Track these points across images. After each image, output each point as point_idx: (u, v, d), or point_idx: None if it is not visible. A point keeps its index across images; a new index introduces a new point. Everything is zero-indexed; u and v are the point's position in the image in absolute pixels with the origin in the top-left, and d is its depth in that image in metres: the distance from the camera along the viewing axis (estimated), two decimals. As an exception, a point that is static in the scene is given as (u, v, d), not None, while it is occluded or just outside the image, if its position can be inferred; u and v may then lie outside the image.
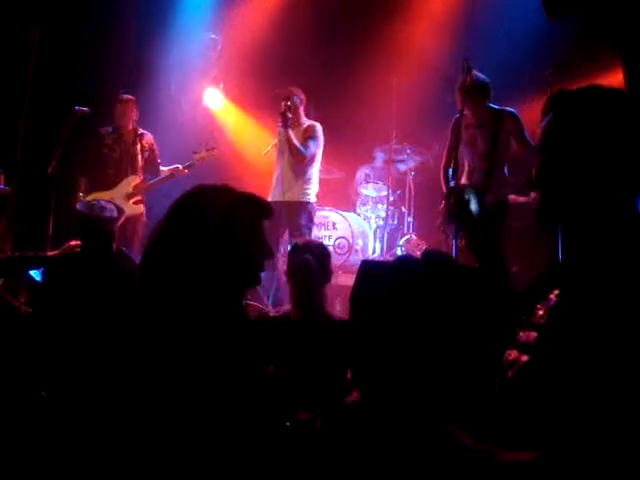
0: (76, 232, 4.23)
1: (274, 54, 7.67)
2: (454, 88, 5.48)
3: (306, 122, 6.28)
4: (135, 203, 6.20)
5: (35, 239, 5.72)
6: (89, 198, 5.96)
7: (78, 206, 4.16)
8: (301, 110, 6.28)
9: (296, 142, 6.01)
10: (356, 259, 6.97)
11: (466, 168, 5.59)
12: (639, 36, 5.13)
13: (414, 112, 7.13)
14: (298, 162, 6.09)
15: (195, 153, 6.21)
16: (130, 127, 6.40)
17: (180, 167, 6.28)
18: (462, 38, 6.83)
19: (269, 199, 6.12)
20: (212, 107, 8.11)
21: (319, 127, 6.21)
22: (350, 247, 7.11)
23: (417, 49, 7.34)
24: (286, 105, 6.02)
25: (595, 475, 1.31)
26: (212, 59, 8.04)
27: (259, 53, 7.71)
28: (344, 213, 7.32)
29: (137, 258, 4.93)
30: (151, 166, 6.39)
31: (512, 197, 5.79)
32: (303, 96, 6.30)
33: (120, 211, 4.10)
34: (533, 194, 5.55)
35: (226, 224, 1.88)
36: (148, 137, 6.44)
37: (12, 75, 6.67)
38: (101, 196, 6.01)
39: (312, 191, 6.23)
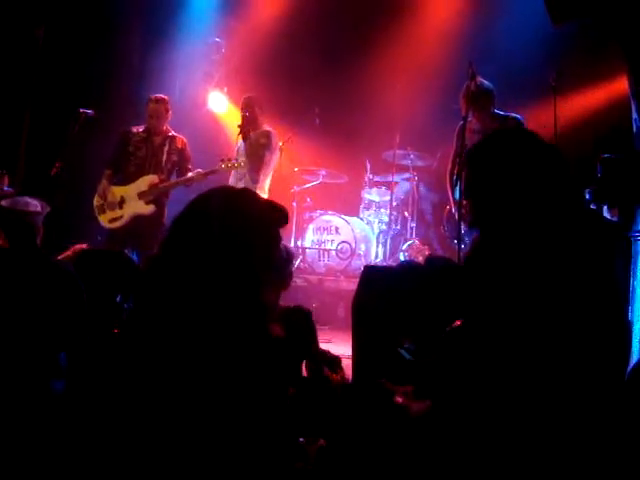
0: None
1: (278, 57, 7.71)
2: (459, 94, 5.49)
3: (264, 128, 6.37)
4: (146, 202, 6.06)
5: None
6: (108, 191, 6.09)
7: (3, 202, 4.18)
8: (260, 117, 6.38)
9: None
10: (358, 264, 6.97)
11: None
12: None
13: (418, 118, 7.14)
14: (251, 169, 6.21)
15: (222, 161, 6.09)
16: (161, 128, 6.25)
17: (202, 172, 6.10)
18: (466, 44, 6.84)
19: None
20: (216, 110, 8.12)
21: (273, 133, 6.33)
22: (353, 252, 7.11)
23: (422, 56, 7.35)
24: (244, 115, 6.17)
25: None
26: (216, 62, 8.05)
27: (263, 57, 7.74)
28: (347, 217, 7.32)
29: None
30: (179, 169, 6.24)
31: None
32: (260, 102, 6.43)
33: (44, 207, 4.12)
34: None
35: (245, 230, 1.86)
36: (179, 140, 6.31)
37: (17, 75, 6.69)
38: (114, 190, 6.13)
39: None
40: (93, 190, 6.30)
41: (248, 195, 1.98)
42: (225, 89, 8.03)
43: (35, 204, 4.06)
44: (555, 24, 5.62)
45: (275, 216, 1.97)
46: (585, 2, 5.37)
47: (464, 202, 5.44)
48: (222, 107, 8.11)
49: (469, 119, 5.40)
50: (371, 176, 7.53)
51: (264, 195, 6.10)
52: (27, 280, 3.56)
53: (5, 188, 6.16)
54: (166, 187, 6.13)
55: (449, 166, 5.73)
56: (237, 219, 1.87)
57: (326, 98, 7.26)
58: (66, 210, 5.82)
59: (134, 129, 6.31)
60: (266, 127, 6.40)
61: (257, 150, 6.18)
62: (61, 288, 3.51)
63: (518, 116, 5.54)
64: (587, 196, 5.49)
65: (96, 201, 6.21)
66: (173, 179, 6.17)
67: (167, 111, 6.24)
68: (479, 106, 5.45)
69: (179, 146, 6.28)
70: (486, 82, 5.49)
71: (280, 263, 3.16)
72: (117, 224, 6.09)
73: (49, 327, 3.37)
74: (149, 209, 6.05)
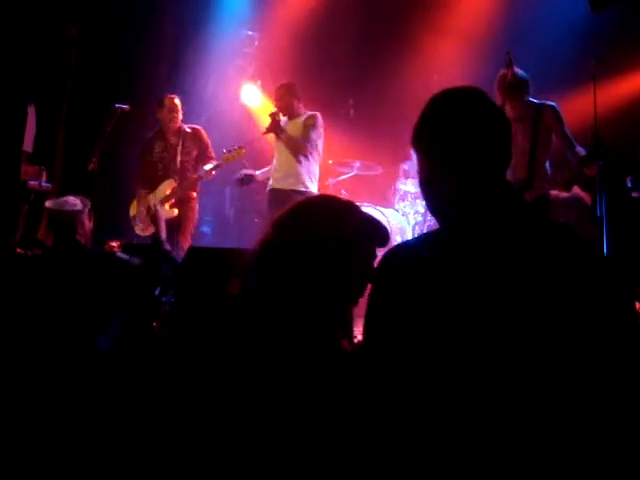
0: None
1: (311, 50, 7.66)
2: (493, 84, 5.42)
3: (305, 113, 6.19)
4: (171, 207, 6.20)
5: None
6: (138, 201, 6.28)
7: (47, 203, 4.36)
8: (296, 103, 6.20)
9: (293, 139, 5.99)
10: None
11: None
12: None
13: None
14: (297, 151, 6.01)
15: (223, 153, 6.15)
16: (174, 128, 6.33)
17: (206, 169, 6.17)
18: (506, 31, 6.72)
19: (268, 186, 6.17)
20: (249, 104, 8.12)
21: (319, 116, 6.13)
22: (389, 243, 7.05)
23: (458, 46, 7.25)
24: (275, 113, 6.06)
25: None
26: (249, 55, 8.04)
27: (296, 49, 7.69)
28: (382, 209, 7.26)
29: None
30: (204, 160, 6.29)
31: (554, 193, 5.71)
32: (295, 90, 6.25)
33: (85, 203, 4.25)
34: (575, 188, 5.43)
35: (345, 247, 1.82)
36: (195, 133, 6.38)
37: (53, 73, 6.75)
38: (142, 199, 6.32)
39: (308, 180, 6.09)
40: (128, 184, 6.37)
41: (352, 211, 1.92)
42: (258, 82, 8.02)
43: (74, 202, 4.17)
44: (594, 10, 5.53)
45: (377, 235, 1.92)
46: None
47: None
48: (255, 100, 8.10)
49: (504, 108, 5.35)
50: (406, 167, 7.47)
51: (314, 182, 6.12)
52: (70, 276, 3.68)
53: (43, 183, 6.25)
54: (185, 189, 6.24)
55: None
56: (339, 235, 1.83)
57: (360, 89, 7.23)
58: (102, 205, 5.88)
59: (148, 136, 6.44)
60: (307, 111, 6.25)
61: (303, 132, 6.03)
62: (102, 272, 3.67)
63: (553, 104, 5.44)
64: (629, 184, 5.40)
65: (131, 212, 6.39)
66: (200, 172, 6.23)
67: (176, 110, 6.29)
68: (514, 95, 5.36)
69: (196, 138, 6.36)
70: (521, 71, 5.39)
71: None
72: (149, 232, 6.18)
73: (93, 311, 3.51)
74: (174, 212, 6.18)
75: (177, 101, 6.31)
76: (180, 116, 6.36)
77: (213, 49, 7.65)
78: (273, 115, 6.03)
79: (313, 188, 6.08)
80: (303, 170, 6.02)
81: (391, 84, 7.41)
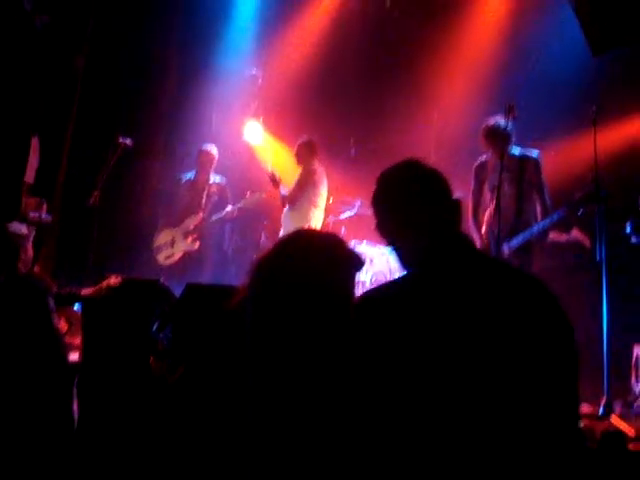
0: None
1: (314, 89, 7.74)
2: (481, 133, 5.50)
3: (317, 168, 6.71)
4: (192, 240, 6.80)
5: (75, 270, 5.77)
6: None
7: None
8: (312, 159, 6.70)
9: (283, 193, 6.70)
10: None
11: (493, 210, 5.49)
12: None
13: (453, 147, 7.10)
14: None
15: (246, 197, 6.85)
16: (205, 175, 7.00)
17: (230, 210, 6.90)
18: (509, 72, 6.78)
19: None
20: (252, 141, 8.16)
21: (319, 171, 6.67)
22: (387, 283, 7.02)
23: (459, 81, 7.30)
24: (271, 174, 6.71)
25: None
26: (253, 94, 8.11)
27: (299, 87, 7.77)
28: (382, 248, 7.25)
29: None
30: (220, 209, 6.93)
31: (553, 235, 5.73)
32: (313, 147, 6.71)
33: (29, 231, 4.23)
34: (574, 231, 5.42)
35: (324, 277, 1.87)
36: (218, 184, 7.05)
37: (57, 105, 6.80)
38: (167, 232, 6.91)
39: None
40: (129, 219, 6.40)
41: (328, 242, 1.97)
42: (261, 119, 8.07)
43: (19, 227, 4.11)
44: (595, 54, 5.59)
45: (353, 262, 1.97)
46: (624, 32, 5.33)
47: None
48: (258, 138, 8.14)
49: (488, 157, 5.53)
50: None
51: (318, 221, 6.70)
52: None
53: (44, 215, 6.24)
54: (205, 225, 6.91)
55: (470, 205, 5.69)
56: (315, 266, 1.88)
57: (362, 128, 7.26)
58: (102, 238, 5.89)
59: (183, 177, 7.09)
60: (314, 165, 6.73)
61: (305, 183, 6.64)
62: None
63: (535, 155, 5.51)
64: (628, 229, 5.40)
65: (155, 243, 6.94)
66: (214, 217, 6.95)
67: (211, 161, 7.00)
68: (501, 145, 5.39)
69: (217, 189, 7.04)
70: (503, 121, 5.43)
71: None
72: (170, 261, 6.82)
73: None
74: (196, 245, 6.81)
75: (214, 152, 7.01)
76: (212, 166, 7.02)
77: (217, 87, 7.72)
78: (271, 177, 6.71)
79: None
80: (308, 220, 6.59)
81: (392, 122, 7.46)
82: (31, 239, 4.18)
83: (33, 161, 6.38)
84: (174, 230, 6.90)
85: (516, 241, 5.32)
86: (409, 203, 1.99)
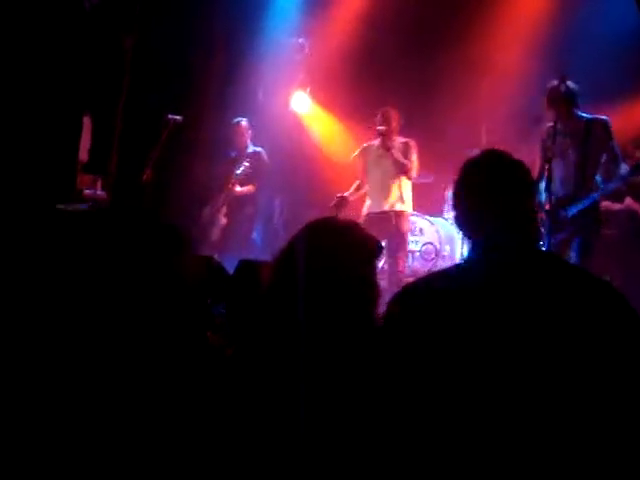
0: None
1: (361, 57, 7.67)
2: (542, 97, 5.37)
3: (401, 139, 6.52)
4: (222, 215, 7.00)
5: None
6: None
7: None
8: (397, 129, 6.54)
9: (402, 160, 6.37)
10: (443, 265, 6.88)
11: (558, 179, 5.38)
12: None
13: (503, 118, 6.98)
14: (402, 175, 6.43)
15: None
16: (244, 147, 7.10)
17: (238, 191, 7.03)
18: (553, 46, 6.63)
19: (364, 210, 6.39)
20: (299, 111, 8.16)
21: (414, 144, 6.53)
22: (437, 253, 7.03)
23: (506, 56, 7.16)
24: (385, 129, 6.38)
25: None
26: (299, 62, 8.08)
27: (346, 56, 7.70)
28: (431, 218, 7.23)
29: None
30: (252, 180, 6.98)
31: (605, 204, 5.63)
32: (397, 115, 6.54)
33: None
34: (628, 200, 5.38)
35: (337, 268, 1.93)
36: (252, 154, 7.06)
37: (108, 84, 6.89)
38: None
39: (409, 202, 6.55)
40: (181, 195, 6.49)
41: (346, 230, 2.04)
42: (308, 89, 8.05)
43: None
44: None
45: (371, 249, 2.04)
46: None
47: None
48: (305, 107, 8.14)
49: (554, 122, 5.30)
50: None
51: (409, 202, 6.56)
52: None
53: (98, 192, 6.39)
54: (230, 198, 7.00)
55: (535, 173, 5.56)
56: (334, 255, 1.95)
57: (410, 97, 7.18)
58: (154, 215, 5.99)
59: (230, 153, 7.22)
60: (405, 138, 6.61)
61: (408, 155, 6.46)
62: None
63: (605, 118, 5.36)
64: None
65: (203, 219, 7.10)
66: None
67: (242, 134, 7.09)
68: (564, 109, 5.29)
69: (253, 160, 7.02)
70: (572, 84, 5.32)
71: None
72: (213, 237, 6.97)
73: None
74: (223, 221, 7.00)
75: (244, 124, 7.08)
76: (248, 137, 7.09)
77: (264, 57, 7.70)
78: (384, 133, 6.38)
79: (409, 208, 6.54)
80: (402, 191, 6.48)
81: (442, 91, 7.35)
82: None
83: (86, 140, 6.52)
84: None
85: (575, 208, 5.22)
86: (496, 192, 1.93)
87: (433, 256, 7.02)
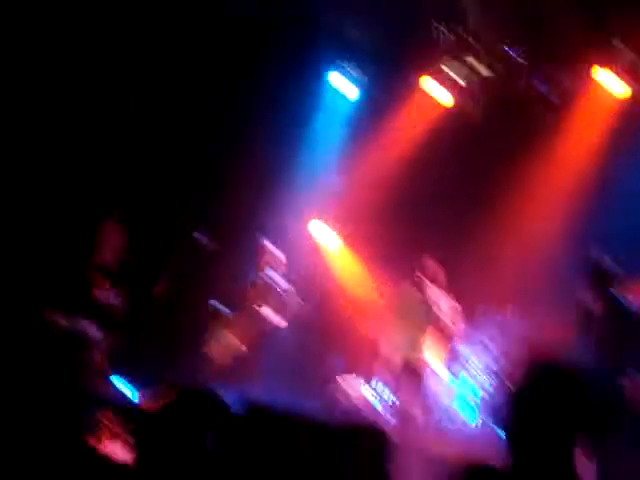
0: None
1: (395, 204, 7.68)
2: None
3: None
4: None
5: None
6: None
7: None
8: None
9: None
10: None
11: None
12: None
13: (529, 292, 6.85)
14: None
15: None
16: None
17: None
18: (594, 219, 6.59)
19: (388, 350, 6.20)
20: (319, 241, 8.16)
21: None
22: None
23: (538, 229, 7.15)
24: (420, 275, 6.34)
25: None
26: (333, 198, 8.12)
27: (380, 199, 7.71)
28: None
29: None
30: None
31: None
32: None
33: None
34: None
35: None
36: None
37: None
38: None
39: None
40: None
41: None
42: (335, 224, 8.07)
43: None
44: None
45: None
46: None
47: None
48: (326, 240, 8.14)
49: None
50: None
51: None
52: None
53: (111, 298, 6.25)
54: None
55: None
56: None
57: (444, 250, 7.06)
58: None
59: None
60: None
61: None
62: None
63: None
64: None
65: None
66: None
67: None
68: (603, 288, 5.26)
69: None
70: (614, 265, 5.31)
71: None
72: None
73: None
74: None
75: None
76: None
77: (298, 192, 7.76)
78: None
79: None
80: None
81: (469, 248, 7.23)
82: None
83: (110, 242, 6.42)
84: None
85: None
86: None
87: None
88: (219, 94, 7.23)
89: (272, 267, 7.03)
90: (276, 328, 6.64)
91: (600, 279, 5.33)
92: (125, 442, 4.34)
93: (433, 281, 6.38)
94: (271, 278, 6.95)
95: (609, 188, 6.71)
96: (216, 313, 6.50)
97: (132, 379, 5.48)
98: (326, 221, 8.14)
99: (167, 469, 3.92)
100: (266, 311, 6.63)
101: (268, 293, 6.81)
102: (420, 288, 6.30)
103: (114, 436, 4.62)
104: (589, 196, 6.84)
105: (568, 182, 7.16)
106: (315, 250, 8.19)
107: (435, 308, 6.26)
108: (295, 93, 7.50)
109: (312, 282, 7.80)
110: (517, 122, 7.48)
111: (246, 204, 7.25)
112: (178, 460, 3.94)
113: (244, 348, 6.53)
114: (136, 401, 4.43)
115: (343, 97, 8.05)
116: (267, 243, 7.05)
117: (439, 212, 7.65)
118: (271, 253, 7.01)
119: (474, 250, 7.12)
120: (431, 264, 6.41)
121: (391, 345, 6.41)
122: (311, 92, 7.87)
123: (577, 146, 7.20)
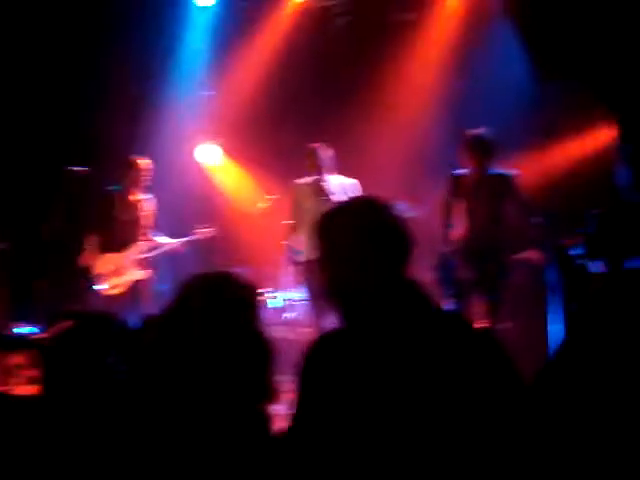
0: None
1: (270, 108, 7.79)
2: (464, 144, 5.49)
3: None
4: (142, 268, 6.26)
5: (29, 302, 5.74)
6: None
7: None
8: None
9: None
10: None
11: (465, 227, 5.51)
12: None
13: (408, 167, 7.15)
14: None
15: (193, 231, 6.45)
16: (138, 191, 6.30)
17: (176, 244, 6.45)
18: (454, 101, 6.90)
19: (301, 250, 6.06)
20: (207, 163, 8.15)
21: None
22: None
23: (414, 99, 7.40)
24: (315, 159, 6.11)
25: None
26: (209, 115, 8.07)
27: (256, 106, 7.75)
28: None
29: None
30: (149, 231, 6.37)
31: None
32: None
33: None
34: (533, 253, 5.38)
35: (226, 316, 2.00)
36: (151, 202, 6.38)
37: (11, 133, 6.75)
38: (107, 258, 6.16)
39: None
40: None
41: (226, 281, 2.06)
42: (219, 141, 8.06)
43: None
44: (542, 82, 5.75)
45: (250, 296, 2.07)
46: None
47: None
48: (213, 160, 8.14)
49: (466, 172, 5.48)
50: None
51: None
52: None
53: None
54: (154, 256, 6.36)
55: (441, 217, 5.62)
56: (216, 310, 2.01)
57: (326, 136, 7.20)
58: (57, 272, 5.84)
59: (112, 192, 6.29)
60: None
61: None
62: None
63: (511, 173, 5.51)
64: (579, 251, 5.52)
65: (95, 270, 6.19)
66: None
67: (145, 177, 6.26)
68: (478, 159, 5.41)
69: (151, 209, 6.36)
70: (488, 134, 5.44)
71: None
72: (116, 291, 6.13)
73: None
74: (147, 274, 6.28)
75: (149, 167, 6.30)
76: (145, 181, 6.30)
77: (172, 108, 7.66)
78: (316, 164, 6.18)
79: None
80: None
81: (353, 140, 7.39)
82: None
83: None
84: (118, 256, 6.21)
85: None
86: (360, 248, 1.90)
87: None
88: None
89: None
90: (172, 250, 6.48)
91: (478, 151, 5.42)
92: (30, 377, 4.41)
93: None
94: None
95: (468, 75, 7.16)
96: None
97: (30, 319, 5.49)
98: (209, 139, 8.12)
99: (73, 392, 4.03)
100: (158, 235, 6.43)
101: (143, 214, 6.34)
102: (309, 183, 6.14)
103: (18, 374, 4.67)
104: (453, 85, 7.25)
105: (432, 74, 7.50)
106: (202, 170, 8.19)
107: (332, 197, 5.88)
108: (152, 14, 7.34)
109: (206, 201, 7.85)
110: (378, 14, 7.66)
111: (122, 136, 7.12)
112: (83, 382, 4.07)
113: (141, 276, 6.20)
114: (36, 336, 4.46)
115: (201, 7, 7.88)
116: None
117: (315, 110, 7.75)
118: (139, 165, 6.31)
119: (351, 143, 7.30)
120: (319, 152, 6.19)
121: (294, 248, 6.16)
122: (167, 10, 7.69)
123: (437, 41, 7.58)
